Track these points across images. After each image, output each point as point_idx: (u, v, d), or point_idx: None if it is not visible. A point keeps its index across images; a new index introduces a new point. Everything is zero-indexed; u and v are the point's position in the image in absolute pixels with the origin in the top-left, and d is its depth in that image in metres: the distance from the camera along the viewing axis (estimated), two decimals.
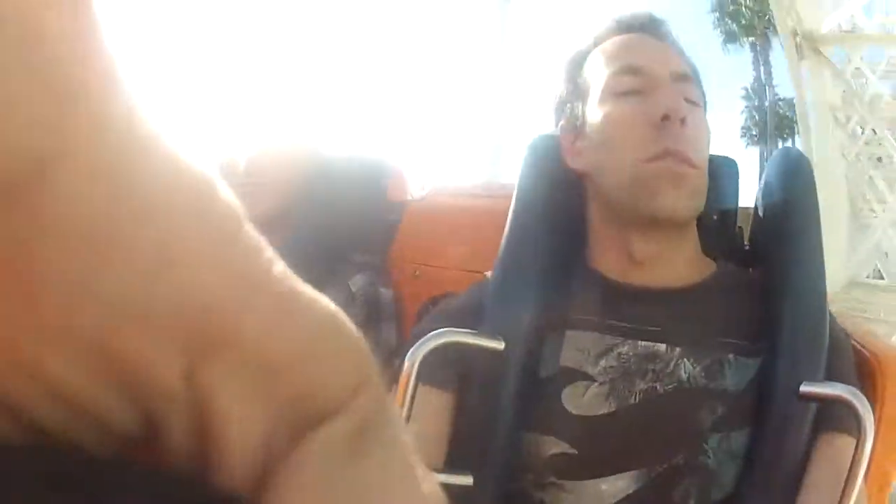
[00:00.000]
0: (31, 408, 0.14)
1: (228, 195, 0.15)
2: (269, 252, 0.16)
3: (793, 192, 0.79)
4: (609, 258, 0.77)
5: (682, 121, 0.73)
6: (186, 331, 0.14)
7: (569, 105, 0.82)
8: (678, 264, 0.77)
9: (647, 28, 0.81)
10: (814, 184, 0.80)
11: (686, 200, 0.73)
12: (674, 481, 0.67)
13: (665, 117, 0.73)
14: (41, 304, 0.13)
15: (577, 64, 0.82)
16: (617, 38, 0.81)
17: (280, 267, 0.16)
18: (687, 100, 0.76)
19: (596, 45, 0.82)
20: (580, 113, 0.79)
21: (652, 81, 0.75)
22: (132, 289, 0.14)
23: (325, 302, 0.17)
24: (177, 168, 0.14)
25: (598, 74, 0.79)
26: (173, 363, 0.14)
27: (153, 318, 0.14)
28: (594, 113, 0.77)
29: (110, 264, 0.13)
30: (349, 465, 0.16)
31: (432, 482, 0.19)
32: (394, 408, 0.18)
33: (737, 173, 0.89)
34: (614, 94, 0.76)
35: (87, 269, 0.13)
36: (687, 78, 0.78)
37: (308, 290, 0.17)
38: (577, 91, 0.81)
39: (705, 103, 0.81)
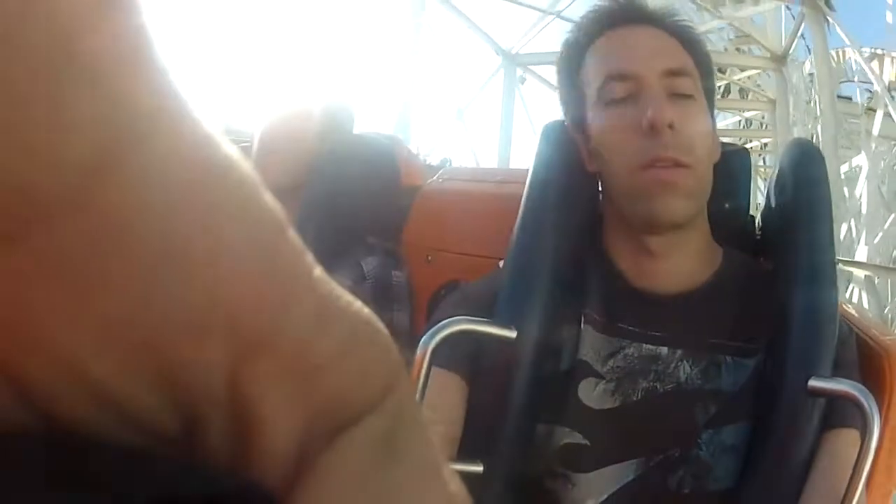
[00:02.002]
0: (62, 404, 0.14)
1: (271, 197, 0.15)
2: (309, 255, 0.16)
3: (805, 182, 0.78)
4: (622, 252, 0.79)
5: (671, 125, 0.73)
6: (234, 333, 0.14)
7: (573, 107, 0.82)
8: (689, 256, 0.77)
9: (640, 18, 0.80)
10: (826, 175, 0.80)
11: (682, 202, 0.74)
12: (669, 470, 0.71)
13: (650, 126, 0.73)
14: (96, 310, 0.13)
15: (574, 63, 0.82)
16: (609, 35, 0.80)
17: (318, 269, 0.16)
18: (677, 94, 0.75)
19: (589, 41, 0.81)
20: (583, 117, 0.80)
21: (639, 85, 0.75)
22: (187, 293, 0.14)
23: (359, 304, 0.18)
24: (224, 170, 0.14)
25: (591, 80, 0.79)
26: (220, 366, 0.14)
27: (206, 321, 0.14)
28: (592, 120, 0.79)
29: (166, 269, 0.13)
30: (382, 466, 0.17)
31: (457, 481, 0.20)
32: (420, 406, 0.19)
33: (749, 163, 0.89)
34: (606, 102, 0.77)
35: (143, 274, 0.13)
36: (679, 72, 0.76)
37: (343, 292, 0.17)
38: (577, 93, 0.81)
39: (710, 89, 0.80)
